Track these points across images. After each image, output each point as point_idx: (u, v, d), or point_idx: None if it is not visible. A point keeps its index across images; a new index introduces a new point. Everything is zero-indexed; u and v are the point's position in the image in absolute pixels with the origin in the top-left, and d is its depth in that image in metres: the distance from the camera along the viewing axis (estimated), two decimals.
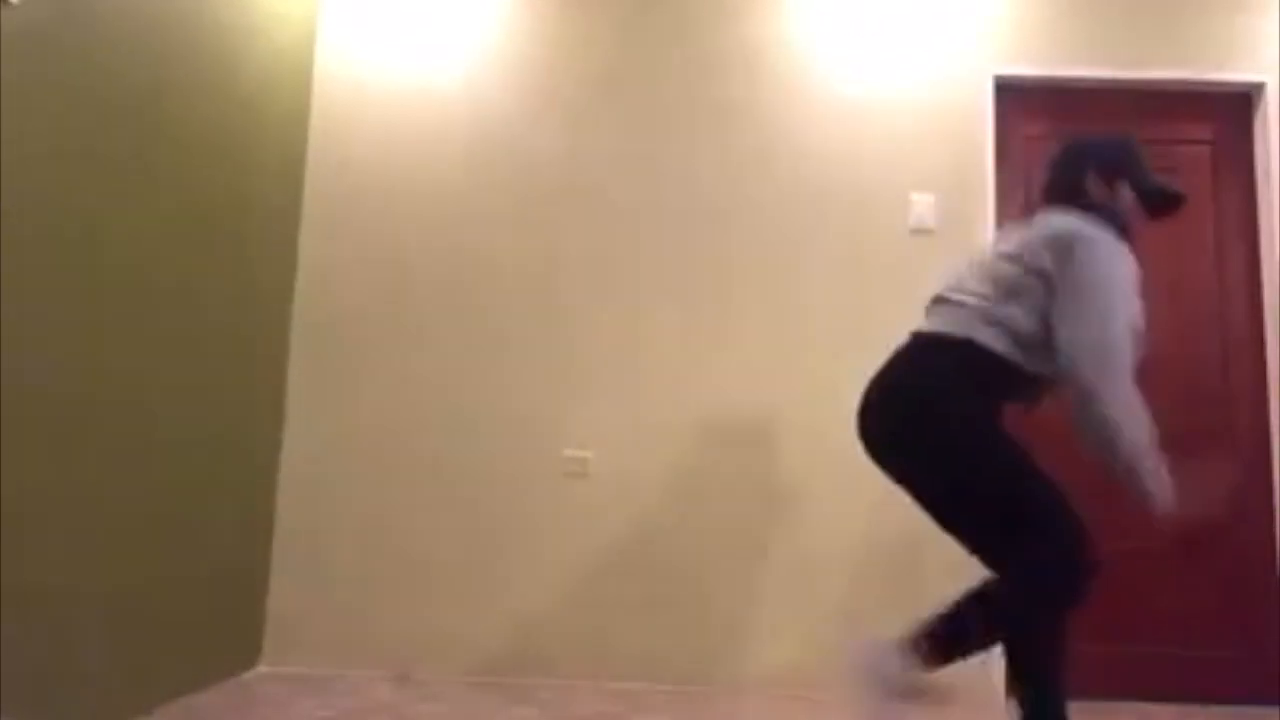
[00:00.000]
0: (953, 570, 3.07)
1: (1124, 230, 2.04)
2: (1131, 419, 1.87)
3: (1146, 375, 3.18)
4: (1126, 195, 2.07)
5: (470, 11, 3.38)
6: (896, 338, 2.20)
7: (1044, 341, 1.96)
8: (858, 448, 2.13)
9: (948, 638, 1.87)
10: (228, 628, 2.90)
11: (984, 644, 1.91)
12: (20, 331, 1.98)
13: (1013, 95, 3.32)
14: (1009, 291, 1.98)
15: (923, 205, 3.20)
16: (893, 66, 3.31)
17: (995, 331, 1.97)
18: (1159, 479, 1.88)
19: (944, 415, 1.94)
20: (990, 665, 2.99)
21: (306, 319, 3.23)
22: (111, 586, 2.32)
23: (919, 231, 3.20)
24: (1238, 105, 3.33)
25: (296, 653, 3.05)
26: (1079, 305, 1.89)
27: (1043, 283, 1.95)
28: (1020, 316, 1.96)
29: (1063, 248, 1.93)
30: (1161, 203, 2.10)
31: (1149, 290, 3.22)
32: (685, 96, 3.31)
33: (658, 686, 3.00)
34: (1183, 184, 3.30)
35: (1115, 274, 1.92)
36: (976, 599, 1.89)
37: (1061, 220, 1.98)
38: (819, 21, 3.35)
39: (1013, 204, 3.30)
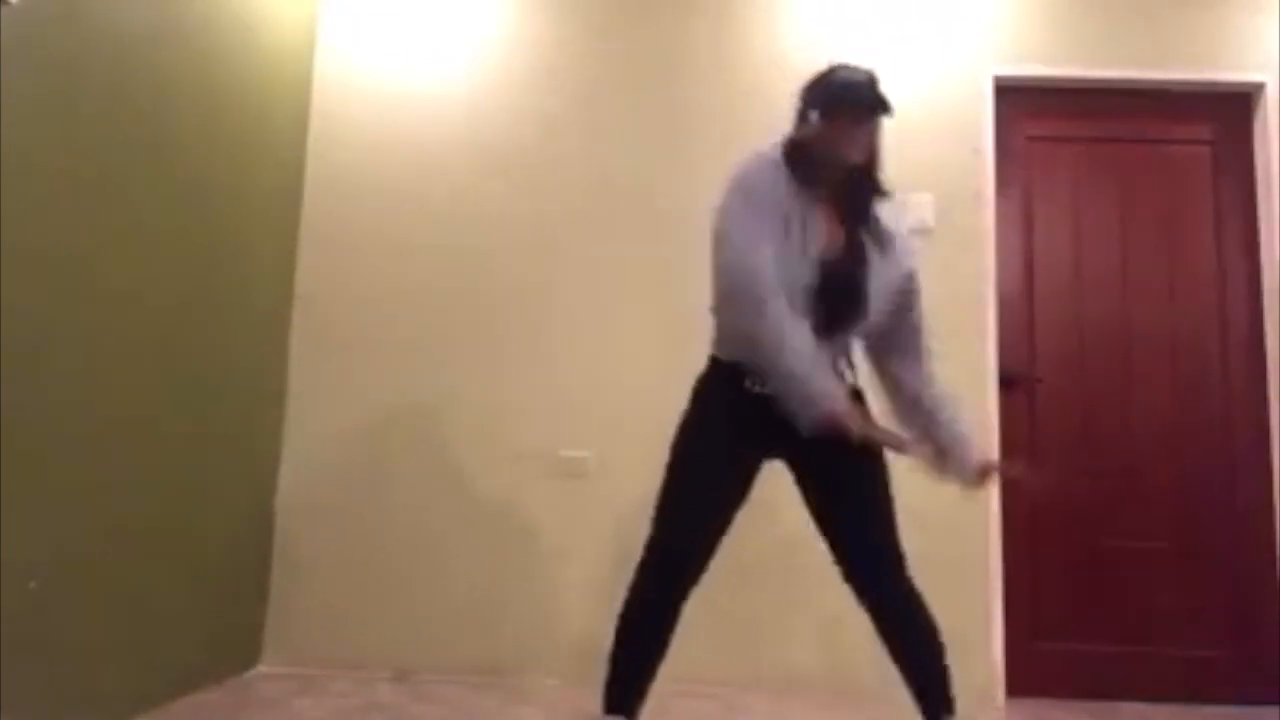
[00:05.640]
0: (959, 570, 3.08)
1: (799, 151, 1.96)
2: (765, 336, 1.82)
3: (1147, 373, 3.22)
4: (813, 118, 1.96)
5: (468, 14, 3.38)
6: None
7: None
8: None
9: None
10: (228, 628, 2.90)
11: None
12: (21, 332, 1.98)
13: (1013, 95, 3.31)
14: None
15: (922, 205, 3.19)
16: (892, 67, 3.31)
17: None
18: (806, 396, 1.79)
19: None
20: (991, 664, 3.00)
21: (306, 320, 3.23)
22: (112, 587, 2.32)
23: (918, 231, 3.19)
24: (1238, 105, 3.33)
25: (296, 653, 3.05)
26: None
27: None
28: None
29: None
30: (840, 106, 1.93)
31: (1149, 289, 3.26)
32: (684, 98, 3.31)
33: (658, 685, 3.00)
34: (1183, 184, 3.32)
35: (728, 202, 1.92)
36: None
37: None
38: (819, 22, 3.35)
39: (1013, 204, 3.31)
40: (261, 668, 3.05)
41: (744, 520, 3.08)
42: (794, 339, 1.81)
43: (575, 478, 3.12)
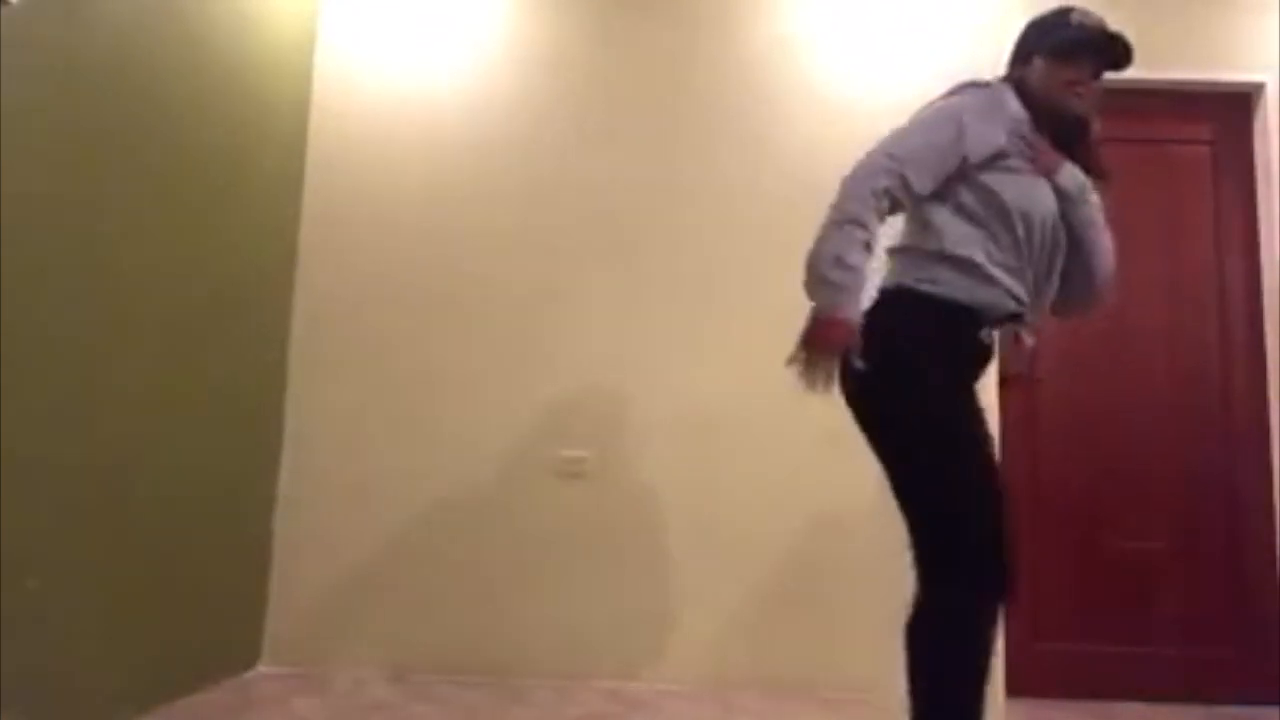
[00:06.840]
0: None
1: (1028, 95, 1.89)
2: (832, 221, 1.77)
3: (1146, 372, 3.21)
4: (1037, 64, 1.89)
5: (469, 14, 3.38)
6: None
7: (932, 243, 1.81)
8: (862, 447, 2.08)
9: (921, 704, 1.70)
10: (228, 628, 2.90)
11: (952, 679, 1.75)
12: (20, 332, 1.98)
13: None
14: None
15: None
16: (891, 67, 3.31)
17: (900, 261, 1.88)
18: (825, 293, 1.74)
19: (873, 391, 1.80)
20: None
21: (305, 319, 3.23)
22: (112, 587, 2.32)
23: None
24: (1238, 105, 3.32)
25: (296, 653, 3.05)
26: None
27: None
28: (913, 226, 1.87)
29: None
30: (1078, 52, 1.85)
31: (1149, 289, 3.25)
32: (684, 100, 3.31)
33: (656, 685, 3.00)
34: (1183, 184, 3.32)
35: (928, 112, 1.85)
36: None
37: None
38: (819, 22, 3.35)
39: None
40: (261, 668, 3.05)
41: (744, 520, 3.10)
42: (858, 245, 1.71)
43: (575, 478, 3.12)
